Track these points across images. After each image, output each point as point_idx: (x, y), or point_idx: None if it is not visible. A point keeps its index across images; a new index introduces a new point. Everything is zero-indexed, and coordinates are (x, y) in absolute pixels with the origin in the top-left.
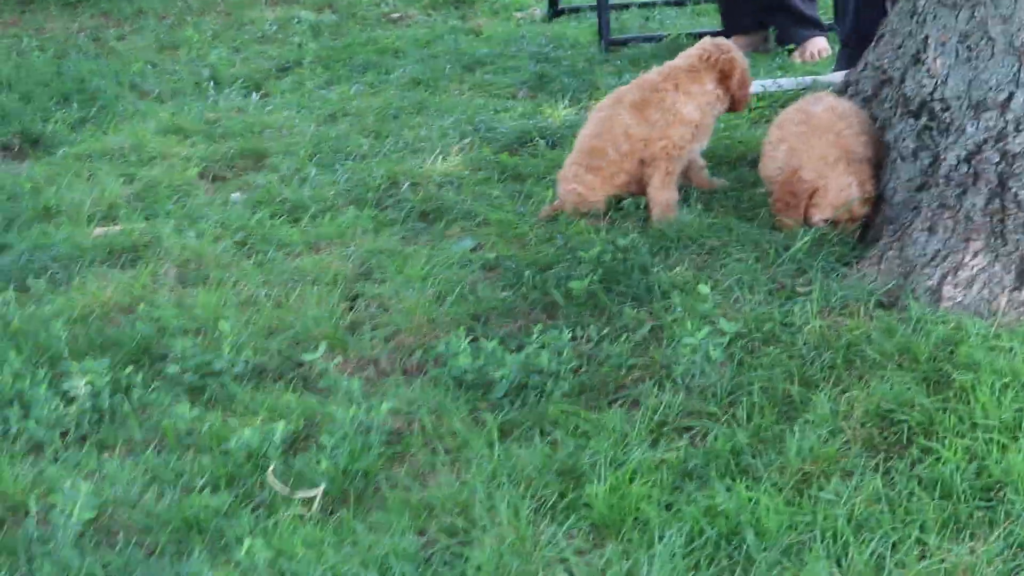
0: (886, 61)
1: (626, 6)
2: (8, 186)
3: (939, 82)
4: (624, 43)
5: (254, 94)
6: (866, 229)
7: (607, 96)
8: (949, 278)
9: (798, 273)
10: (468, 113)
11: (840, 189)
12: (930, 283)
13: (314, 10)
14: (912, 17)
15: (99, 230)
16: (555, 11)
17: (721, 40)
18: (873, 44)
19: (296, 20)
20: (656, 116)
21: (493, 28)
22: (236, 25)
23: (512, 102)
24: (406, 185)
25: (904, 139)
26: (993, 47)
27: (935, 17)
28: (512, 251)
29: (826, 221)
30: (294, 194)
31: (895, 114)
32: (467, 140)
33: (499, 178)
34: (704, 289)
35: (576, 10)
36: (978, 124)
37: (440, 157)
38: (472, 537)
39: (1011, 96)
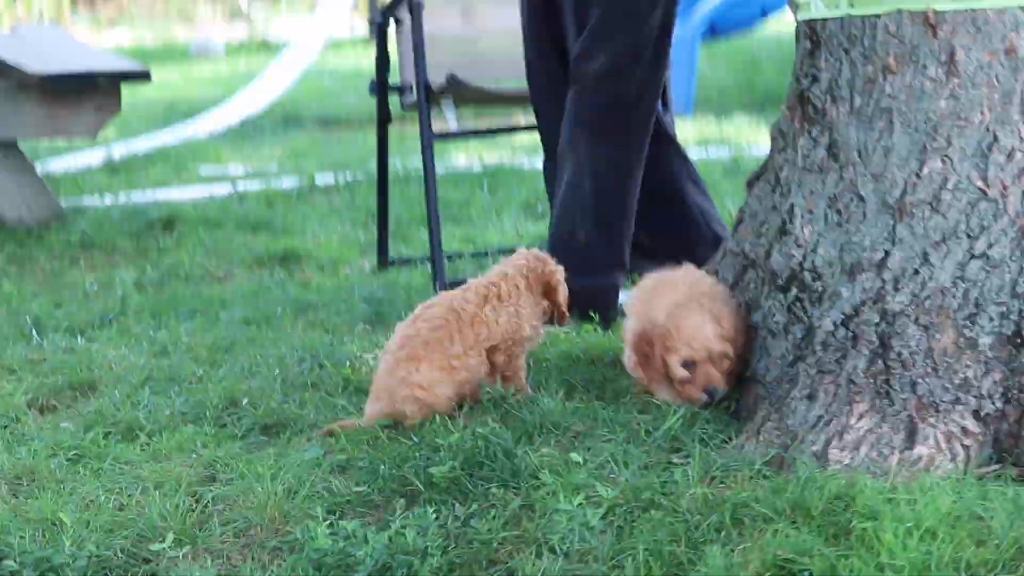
0: (747, 245)
1: (459, 255)
2: None
3: (808, 251)
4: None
5: (79, 337)
6: (738, 407)
7: None
8: (834, 442)
9: (672, 449)
10: (305, 344)
11: (695, 327)
12: (815, 448)
13: (135, 271)
14: (774, 191)
15: None
16: (384, 262)
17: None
18: (732, 230)
19: (118, 279)
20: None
21: (323, 280)
22: (55, 287)
23: (349, 335)
24: (245, 401)
25: (774, 315)
26: (865, 208)
27: (800, 184)
28: (363, 452)
29: (687, 365)
30: (128, 415)
31: (762, 294)
32: (305, 364)
33: (342, 390)
34: (576, 457)
35: (407, 261)
36: (854, 287)
37: (280, 378)
38: None
39: (887, 255)
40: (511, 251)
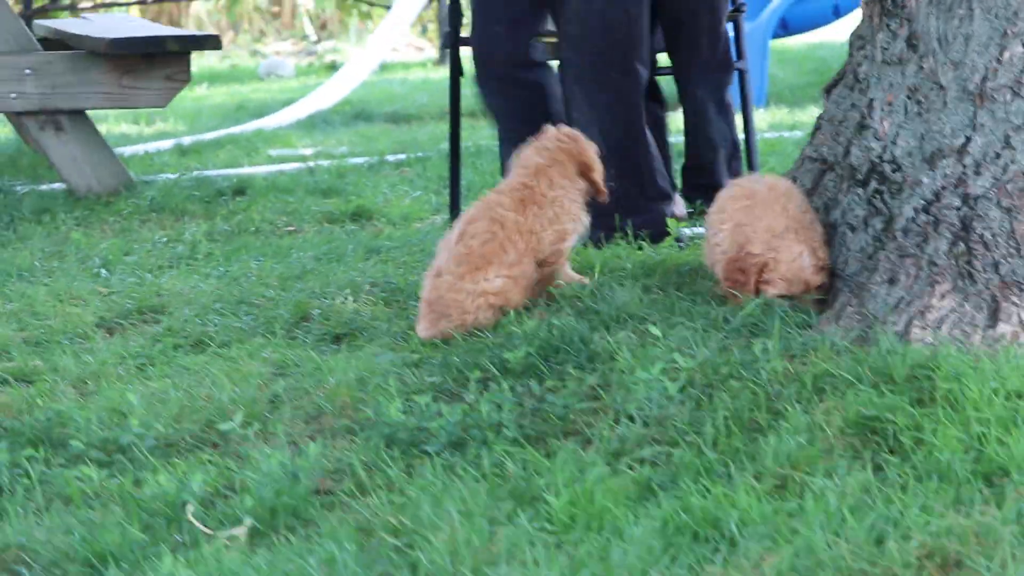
0: (825, 149)
1: None
2: None
3: (888, 143)
4: None
5: (149, 275)
6: (821, 303)
7: None
8: (916, 321)
9: (750, 334)
10: (377, 274)
11: (791, 260)
12: (896, 328)
13: (206, 226)
14: (853, 88)
15: None
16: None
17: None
18: (810, 139)
19: (187, 232)
20: None
21: (395, 232)
22: (125, 239)
23: (421, 269)
24: (316, 313)
25: (853, 209)
26: (945, 96)
27: (879, 79)
28: (436, 351)
29: (780, 297)
30: (196, 330)
31: (840, 190)
32: (377, 288)
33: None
34: (655, 330)
35: None
36: (934, 174)
37: (351, 297)
38: (419, 539)
39: (968, 140)
40: None
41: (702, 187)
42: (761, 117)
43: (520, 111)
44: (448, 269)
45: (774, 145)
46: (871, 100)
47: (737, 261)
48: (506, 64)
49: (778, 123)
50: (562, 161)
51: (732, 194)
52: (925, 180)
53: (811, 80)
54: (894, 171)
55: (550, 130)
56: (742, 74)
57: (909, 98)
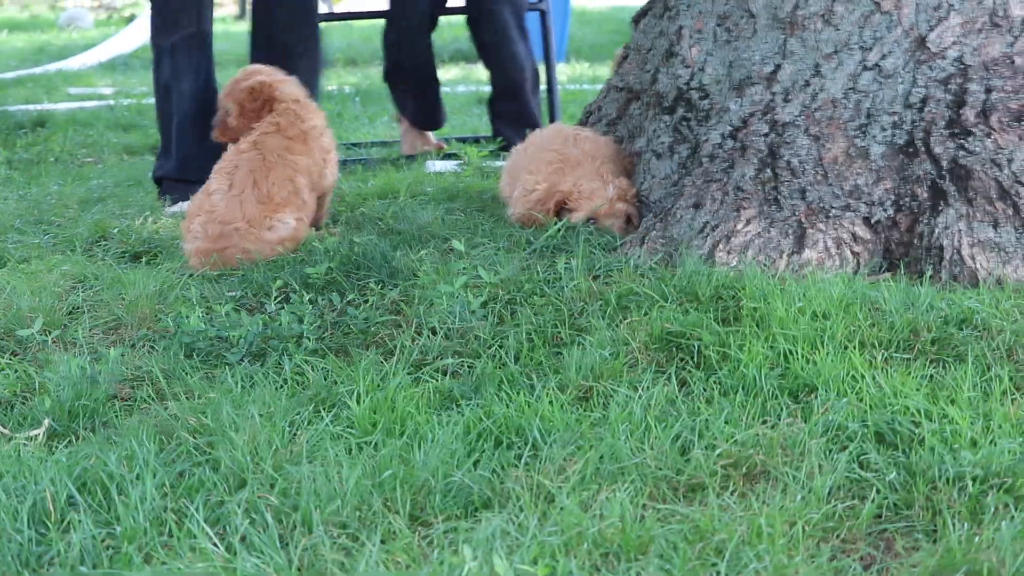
0: (631, 78)
1: None
2: None
3: (696, 70)
4: None
5: None
6: (627, 231)
7: None
8: (721, 245)
9: (553, 255)
10: None
11: (593, 190)
12: (700, 252)
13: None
14: (662, 17)
15: None
16: None
17: None
18: (615, 68)
19: None
20: None
21: None
22: None
23: None
24: (116, 231)
25: (659, 136)
26: (755, 24)
27: (688, 7)
28: (237, 268)
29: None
30: None
31: (646, 118)
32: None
33: None
34: (459, 245)
35: None
36: (742, 101)
37: (151, 218)
38: (220, 440)
39: (778, 68)
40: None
41: (512, 115)
42: (562, 71)
43: None
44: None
45: (575, 95)
46: (680, 27)
47: (552, 195)
48: None
49: (578, 77)
50: None
51: (523, 145)
52: (733, 107)
53: (611, 40)
54: (701, 98)
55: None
56: (544, 15)
57: (719, 25)
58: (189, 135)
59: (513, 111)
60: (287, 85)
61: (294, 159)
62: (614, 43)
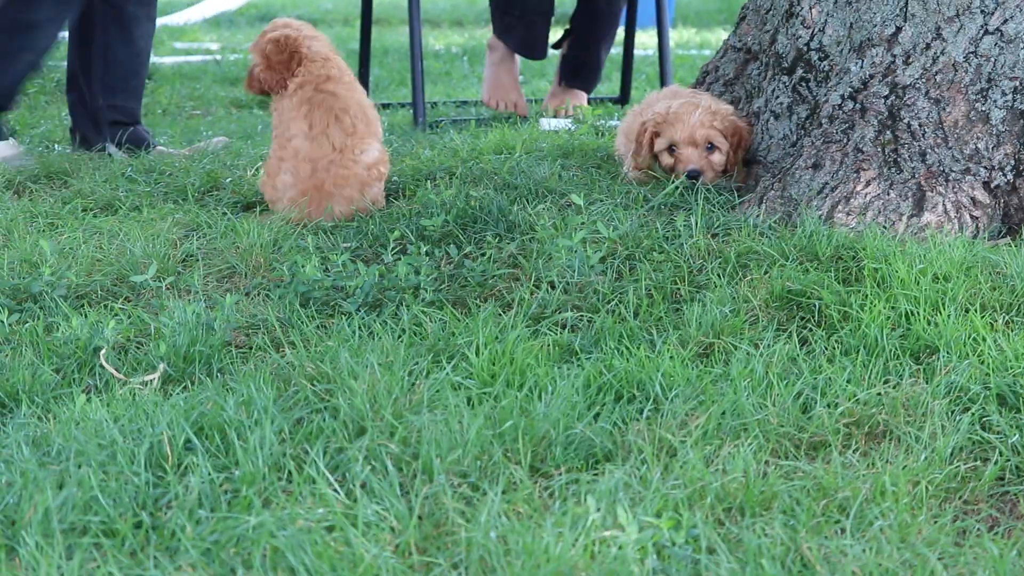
0: (749, 38)
1: (436, 103)
2: None
3: (816, 31)
4: (438, 124)
5: (56, 146)
6: (741, 189)
7: None
8: (840, 206)
9: (671, 212)
10: None
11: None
12: (820, 212)
13: None
14: None
15: None
16: None
17: None
18: (734, 29)
19: None
20: None
21: None
22: (31, 115)
23: None
24: (228, 181)
25: (777, 97)
26: None
27: None
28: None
29: (671, 149)
30: (107, 194)
31: (765, 78)
32: None
33: None
34: (578, 199)
35: (387, 105)
36: (862, 63)
37: (262, 171)
38: (338, 388)
39: (899, 30)
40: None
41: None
42: (670, 36)
43: None
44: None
45: (683, 59)
46: None
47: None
48: None
49: (685, 42)
50: None
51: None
52: (853, 68)
53: (717, 6)
54: (821, 59)
55: None
56: None
57: None
58: None
59: (581, 59)
60: (315, 41)
61: (360, 97)
62: (719, 10)
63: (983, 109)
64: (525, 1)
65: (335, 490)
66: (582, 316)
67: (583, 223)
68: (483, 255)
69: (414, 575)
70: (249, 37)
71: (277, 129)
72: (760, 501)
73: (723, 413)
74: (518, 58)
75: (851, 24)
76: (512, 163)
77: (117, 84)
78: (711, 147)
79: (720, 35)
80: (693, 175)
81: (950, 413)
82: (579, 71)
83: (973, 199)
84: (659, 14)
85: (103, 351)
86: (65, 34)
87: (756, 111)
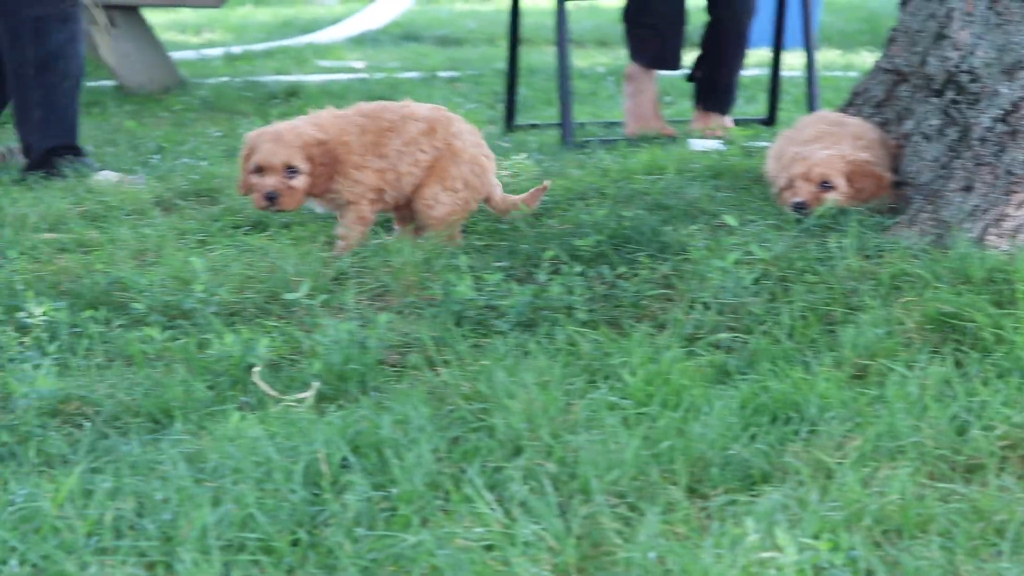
0: (899, 60)
1: (584, 124)
2: None
3: (966, 53)
4: (586, 144)
5: (203, 163)
6: (891, 211)
7: None
8: (992, 228)
9: (823, 233)
10: None
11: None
12: (971, 235)
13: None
14: (930, 1)
15: (47, 235)
16: (511, 127)
17: None
18: (884, 51)
19: (242, 128)
20: None
21: None
22: (178, 132)
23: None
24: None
25: (927, 119)
26: None
27: None
28: (502, 238)
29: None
30: (256, 214)
31: (915, 100)
32: None
33: None
34: (731, 220)
35: (534, 126)
36: (1012, 85)
37: None
38: (494, 407)
39: None
40: None
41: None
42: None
43: None
44: None
45: (827, 81)
46: (949, 10)
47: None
48: None
49: (830, 63)
50: None
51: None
52: (1003, 91)
53: (861, 28)
54: (971, 81)
55: None
56: (806, 3)
57: (989, 8)
58: None
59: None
60: None
61: None
62: (863, 31)
63: None
64: (656, 11)
65: (493, 509)
66: (736, 337)
67: (736, 244)
68: (636, 275)
69: None
70: (393, 56)
71: None
72: (917, 523)
73: (879, 435)
74: (657, 85)
75: (1001, 46)
76: (663, 183)
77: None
78: (826, 185)
79: (864, 57)
80: (798, 207)
81: None
82: (712, 93)
83: None
84: (807, 36)
85: (257, 368)
86: None
87: (906, 133)
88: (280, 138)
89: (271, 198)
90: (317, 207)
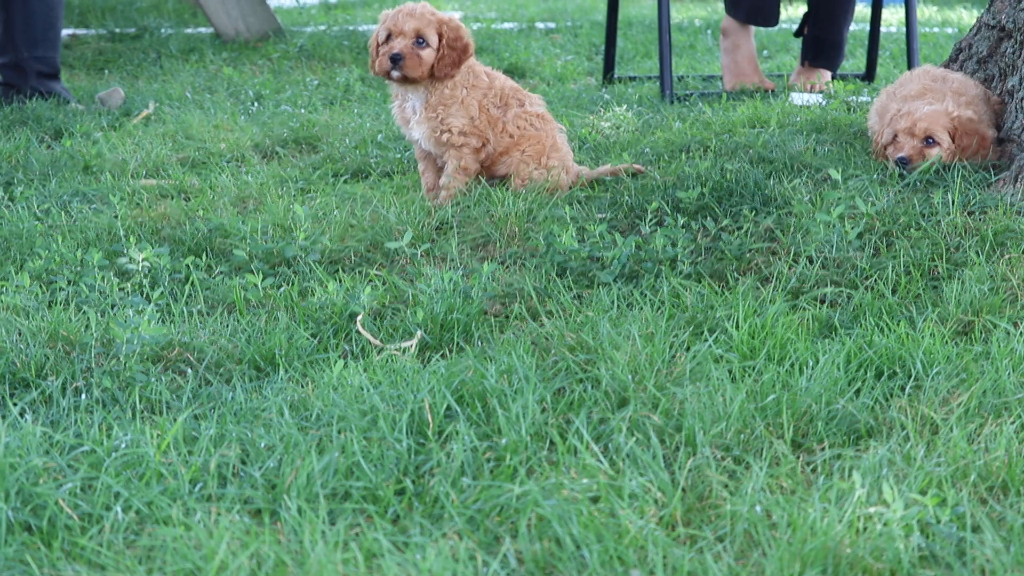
0: (1003, 16)
1: (683, 77)
2: (43, 158)
3: None
4: (686, 97)
5: (302, 110)
6: (995, 167)
7: None
8: None
9: (927, 188)
10: None
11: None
12: None
13: (358, 72)
14: None
15: (147, 181)
16: (610, 78)
17: None
18: (987, 6)
19: (339, 78)
20: None
21: (548, 90)
22: (276, 80)
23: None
24: None
25: None
26: None
27: None
28: (603, 190)
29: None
30: (356, 161)
31: (1019, 56)
32: None
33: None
34: (835, 174)
35: (633, 78)
36: None
37: None
38: (599, 358)
39: None
40: None
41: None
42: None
43: None
44: None
45: (925, 37)
46: None
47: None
48: None
49: (927, 19)
50: None
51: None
52: None
53: None
54: None
55: None
56: None
57: None
58: None
59: (822, 38)
60: None
61: None
62: None
63: None
64: None
65: (599, 461)
66: (841, 291)
67: (840, 198)
68: (740, 228)
69: (679, 547)
70: (490, 6)
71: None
72: (1023, 480)
73: (984, 392)
74: (753, 39)
75: None
76: (766, 137)
77: (37, 36)
78: (931, 141)
79: (961, 13)
80: (901, 162)
81: None
82: (821, 50)
83: None
84: None
85: (360, 317)
86: None
87: (1010, 89)
88: (414, 11)
89: (395, 59)
90: (423, 136)
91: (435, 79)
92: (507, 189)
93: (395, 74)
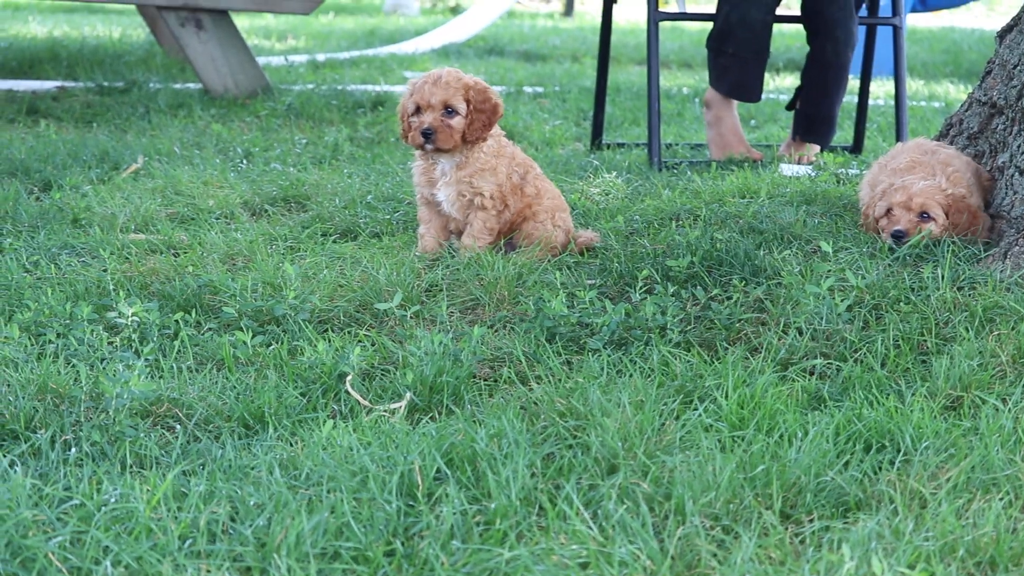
0: (995, 93)
1: (671, 144)
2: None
3: None
4: (675, 165)
5: (291, 169)
6: (984, 244)
7: None
8: None
9: (916, 263)
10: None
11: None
12: None
13: (347, 131)
14: None
15: (136, 235)
16: (598, 144)
17: None
18: (979, 82)
19: (328, 137)
20: None
21: (537, 155)
22: (264, 137)
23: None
24: None
25: (1022, 153)
26: None
27: None
28: (592, 256)
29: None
30: (345, 221)
31: (1011, 133)
32: None
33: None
34: (826, 246)
35: (621, 144)
36: None
37: None
38: (589, 425)
39: None
40: None
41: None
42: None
43: None
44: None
45: (915, 111)
46: None
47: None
48: None
49: (914, 93)
50: None
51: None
52: None
53: (944, 59)
54: None
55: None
56: (897, 31)
57: None
58: None
59: (814, 113)
60: None
61: None
62: (945, 62)
63: None
64: (738, 39)
65: (589, 527)
66: (830, 364)
67: (830, 270)
68: (729, 298)
69: None
70: (479, 69)
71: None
72: (1011, 557)
73: (973, 467)
74: (736, 111)
75: None
76: (756, 207)
77: None
78: (926, 216)
79: (948, 88)
80: (897, 236)
81: None
82: (812, 125)
83: None
84: (896, 66)
85: (349, 377)
86: None
87: (1000, 166)
88: (439, 80)
89: (427, 135)
90: (448, 199)
91: (468, 143)
92: (524, 242)
93: (428, 147)
